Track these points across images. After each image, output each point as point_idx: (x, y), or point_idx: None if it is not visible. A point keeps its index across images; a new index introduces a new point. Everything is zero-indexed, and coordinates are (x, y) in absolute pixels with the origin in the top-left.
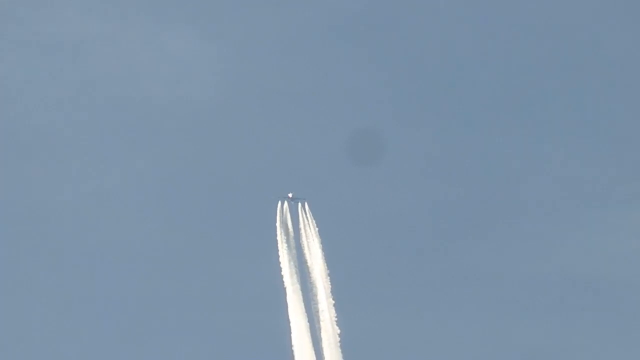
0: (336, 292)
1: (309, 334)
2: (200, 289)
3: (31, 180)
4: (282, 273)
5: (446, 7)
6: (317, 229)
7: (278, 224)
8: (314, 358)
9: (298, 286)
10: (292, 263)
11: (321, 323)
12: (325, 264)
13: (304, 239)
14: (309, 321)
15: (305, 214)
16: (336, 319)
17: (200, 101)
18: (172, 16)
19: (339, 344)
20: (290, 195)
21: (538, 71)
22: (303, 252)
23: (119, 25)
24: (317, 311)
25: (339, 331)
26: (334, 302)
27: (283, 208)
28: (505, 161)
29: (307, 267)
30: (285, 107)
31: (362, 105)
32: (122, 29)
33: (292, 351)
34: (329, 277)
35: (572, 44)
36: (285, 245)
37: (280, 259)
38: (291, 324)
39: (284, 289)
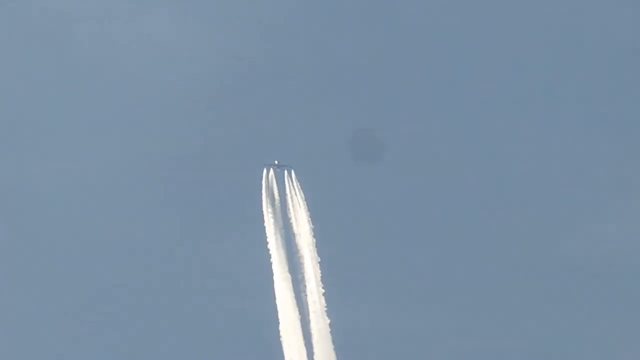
0: (326, 278)
1: (297, 313)
2: (184, 269)
3: (6, 161)
4: (269, 249)
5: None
6: (304, 198)
7: (264, 192)
8: (302, 340)
9: (286, 267)
10: (278, 236)
11: (310, 308)
12: (314, 241)
13: (290, 208)
14: (296, 301)
15: (292, 182)
16: (326, 307)
17: (184, 86)
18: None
19: (328, 328)
20: (276, 162)
21: (541, 65)
22: (290, 224)
23: (98, 5)
24: (305, 292)
25: (328, 321)
26: (323, 290)
27: (269, 176)
28: (508, 155)
29: (295, 243)
30: (271, 89)
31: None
32: (102, 10)
33: (279, 335)
34: (318, 261)
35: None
36: (272, 215)
37: (267, 233)
38: (278, 304)
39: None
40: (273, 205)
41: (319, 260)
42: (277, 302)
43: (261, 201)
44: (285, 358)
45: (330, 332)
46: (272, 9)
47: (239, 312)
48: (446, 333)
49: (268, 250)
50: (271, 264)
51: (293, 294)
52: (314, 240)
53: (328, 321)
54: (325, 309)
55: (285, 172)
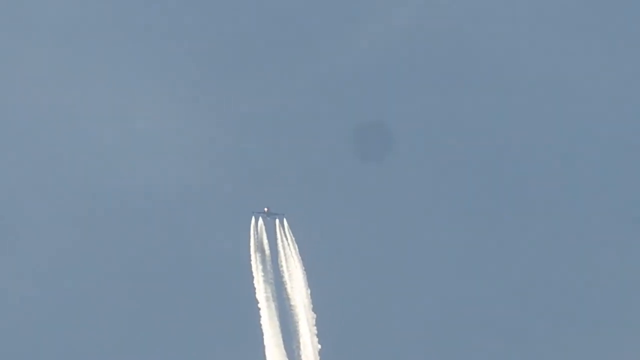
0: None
1: None
2: (165, 334)
3: None
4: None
5: None
6: (297, 249)
7: (252, 244)
8: None
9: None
10: (269, 294)
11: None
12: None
13: (282, 261)
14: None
15: (284, 231)
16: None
17: None
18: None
19: None
20: (266, 209)
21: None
22: (282, 279)
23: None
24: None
25: None
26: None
27: (257, 225)
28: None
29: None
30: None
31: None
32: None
33: None
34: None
35: None
36: (261, 269)
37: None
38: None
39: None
40: (263, 257)
41: (316, 329)
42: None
43: (249, 253)
44: None
45: None
46: None
47: None
48: None
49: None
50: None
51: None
52: (310, 302)
53: None
54: None
55: (277, 220)
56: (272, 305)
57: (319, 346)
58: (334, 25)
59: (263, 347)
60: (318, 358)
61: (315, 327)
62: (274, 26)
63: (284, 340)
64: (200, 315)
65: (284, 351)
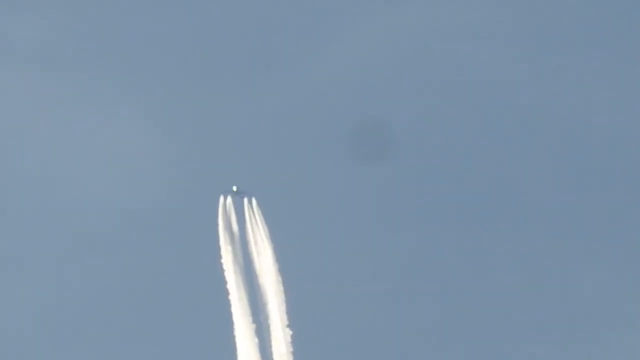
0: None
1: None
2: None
3: None
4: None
5: None
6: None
7: (220, 224)
8: None
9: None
10: (238, 275)
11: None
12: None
13: (251, 242)
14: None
15: (253, 211)
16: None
17: None
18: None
19: None
20: (234, 188)
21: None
22: (252, 261)
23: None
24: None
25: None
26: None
27: (226, 204)
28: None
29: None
30: None
31: None
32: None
33: None
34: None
35: None
36: (230, 250)
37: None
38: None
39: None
40: (232, 239)
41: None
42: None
43: (217, 234)
44: None
45: None
46: None
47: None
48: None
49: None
50: (230, 308)
51: (257, 346)
52: (281, 281)
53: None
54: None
55: (245, 200)
56: (241, 285)
57: (289, 329)
58: (330, 27)
59: (232, 328)
60: (289, 340)
61: (285, 310)
62: (267, 27)
63: (253, 322)
64: (166, 296)
65: (253, 333)
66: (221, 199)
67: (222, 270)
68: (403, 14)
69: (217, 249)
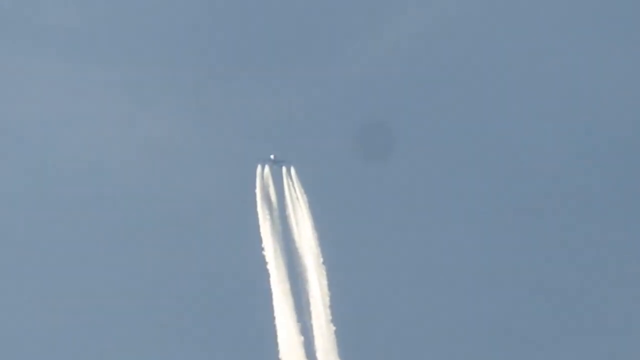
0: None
1: (299, 335)
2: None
3: None
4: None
5: None
6: (306, 199)
7: (258, 192)
8: None
9: (285, 274)
10: (277, 245)
11: (313, 320)
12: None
13: (290, 211)
14: (298, 320)
15: (291, 180)
16: (331, 317)
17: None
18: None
19: (335, 346)
20: (272, 157)
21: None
22: (290, 230)
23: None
24: (309, 306)
25: (334, 329)
26: (329, 293)
27: (263, 173)
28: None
29: (297, 252)
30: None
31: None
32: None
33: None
34: (325, 275)
35: None
36: (269, 220)
37: (264, 242)
38: (277, 324)
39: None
40: (270, 208)
41: (326, 274)
42: (277, 323)
43: (255, 203)
44: None
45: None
46: None
47: (232, 335)
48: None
49: (265, 261)
50: (269, 278)
51: (295, 315)
52: (319, 250)
53: (336, 349)
54: (334, 330)
55: (284, 168)
56: (280, 257)
57: (329, 302)
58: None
59: (271, 302)
60: (329, 314)
61: (326, 282)
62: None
63: (292, 295)
64: (204, 273)
65: (292, 307)
66: (259, 168)
67: (262, 248)
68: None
69: (256, 222)
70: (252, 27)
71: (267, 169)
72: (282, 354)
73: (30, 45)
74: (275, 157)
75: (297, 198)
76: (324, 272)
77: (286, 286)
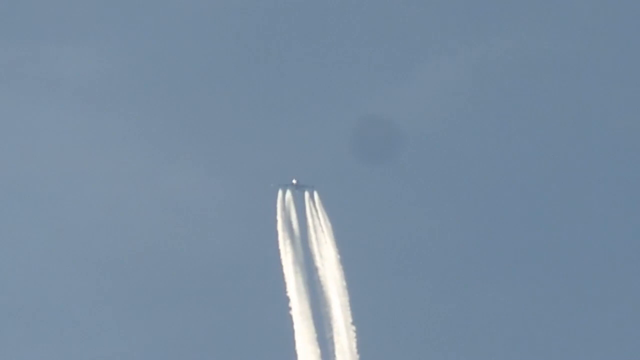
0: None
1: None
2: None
3: None
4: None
5: None
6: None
7: (279, 218)
8: None
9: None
10: (299, 276)
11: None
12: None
13: (312, 239)
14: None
15: (314, 205)
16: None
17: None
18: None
19: None
20: (294, 182)
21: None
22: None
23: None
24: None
25: None
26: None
27: (285, 198)
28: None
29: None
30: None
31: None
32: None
33: None
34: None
35: None
36: (290, 248)
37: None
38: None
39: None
40: (292, 236)
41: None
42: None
43: (276, 231)
44: None
45: None
46: None
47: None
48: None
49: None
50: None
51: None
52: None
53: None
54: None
55: (306, 193)
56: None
57: (355, 336)
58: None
59: (293, 336)
60: (354, 349)
61: (350, 313)
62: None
63: (315, 329)
64: (223, 308)
65: (316, 342)
66: (280, 193)
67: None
68: None
69: (276, 247)
70: (275, 73)
71: (288, 194)
72: None
73: (48, 97)
74: (297, 182)
75: (321, 225)
76: (349, 307)
77: (311, 328)
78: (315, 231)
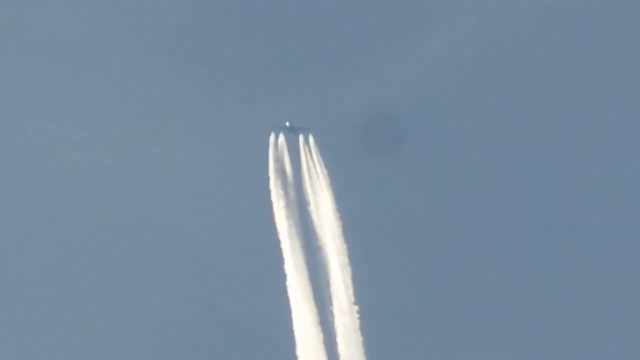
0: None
1: (318, 324)
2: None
3: None
4: (279, 236)
5: None
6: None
7: (271, 164)
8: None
9: (300, 254)
10: (291, 223)
11: (334, 307)
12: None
13: (307, 185)
14: (316, 305)
15: (309, 149)
16: (354, 299)
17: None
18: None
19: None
20: (287, 124)
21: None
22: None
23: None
24: (329, 291)
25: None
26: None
27: (278, 142)
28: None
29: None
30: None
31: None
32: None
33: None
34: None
35: None
36: (282, 196)
37: (277, 220)
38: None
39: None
40: (284, 181)
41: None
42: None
43: (268, 175)
44: None
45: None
46: None
47: (242, 329)
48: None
49: (279, 243)
50: (283, 262)
51: (315, 307)
52: (341, 229)
53: (360, 339)
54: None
55: (301, 137)
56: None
57: (352, 286)
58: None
59: (286, 288)
60: (352, 299)
61: (348, 264)
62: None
63: (310, 281)
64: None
65: (310, 293)
66: (272, 136)
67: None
68: None
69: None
70: (271, 42)
71: (281, 137)
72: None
73: (27, 60)
74: (291, 124)
75: (316, 172)
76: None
77: (304, 275)
78: (311, 178)
